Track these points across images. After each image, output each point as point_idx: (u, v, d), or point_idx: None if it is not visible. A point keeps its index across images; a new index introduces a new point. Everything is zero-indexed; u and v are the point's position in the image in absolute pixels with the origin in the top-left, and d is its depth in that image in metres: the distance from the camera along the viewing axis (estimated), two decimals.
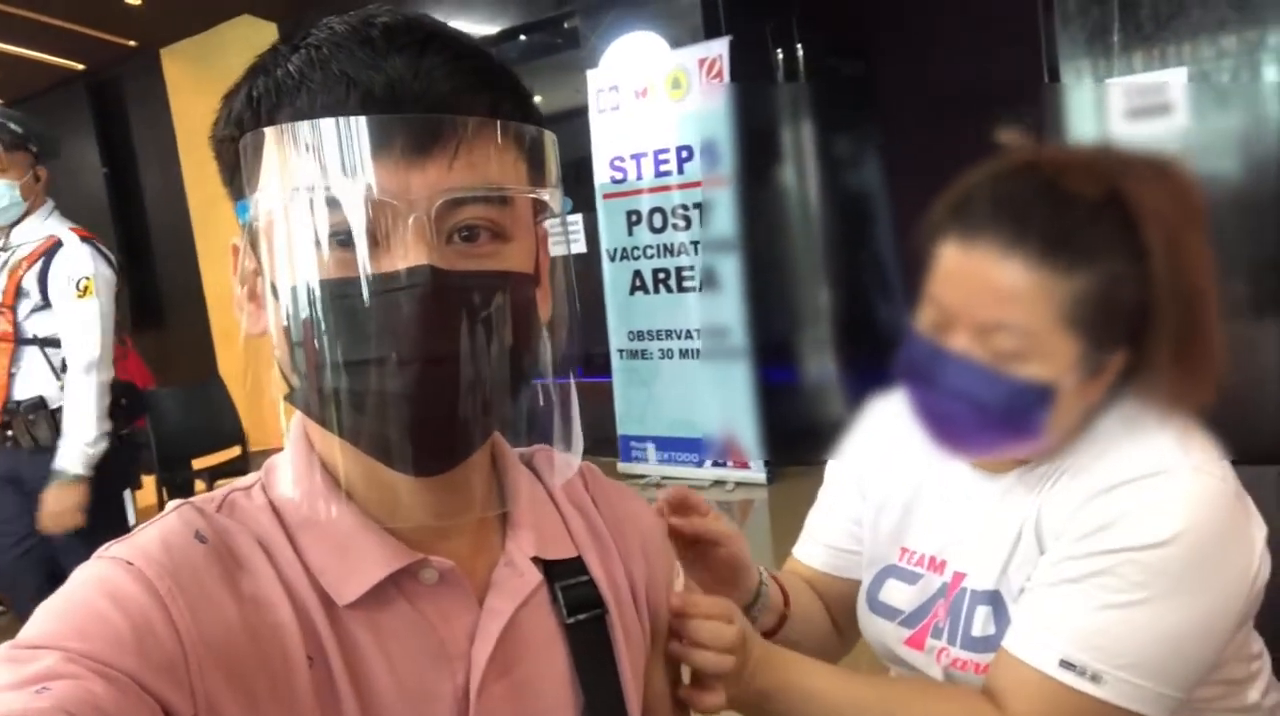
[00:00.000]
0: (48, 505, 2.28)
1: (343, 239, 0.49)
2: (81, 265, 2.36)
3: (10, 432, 2.35)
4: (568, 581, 0.64)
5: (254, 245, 0.54)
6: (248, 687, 0.49)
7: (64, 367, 2.36)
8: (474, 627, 0.58)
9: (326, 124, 0.47)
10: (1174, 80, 3.64)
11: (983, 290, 0.77)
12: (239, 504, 0.58)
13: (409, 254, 0.48)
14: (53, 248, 2.37)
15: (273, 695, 0.50)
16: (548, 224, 0.59)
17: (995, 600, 0.85)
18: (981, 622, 0.85)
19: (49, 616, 0.47)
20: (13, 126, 2.36)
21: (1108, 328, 0.77)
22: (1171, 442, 0.78)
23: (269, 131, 0.49)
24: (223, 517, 0.56)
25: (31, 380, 2.35)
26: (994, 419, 0.79)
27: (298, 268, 0.49)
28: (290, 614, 0.52)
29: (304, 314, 0.49)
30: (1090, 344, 0.76)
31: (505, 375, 0.51)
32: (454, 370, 0.49)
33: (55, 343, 2.36)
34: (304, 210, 0.49)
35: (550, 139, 0.55)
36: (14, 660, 0.44)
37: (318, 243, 0.49)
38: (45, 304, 2.35)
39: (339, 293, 0.49)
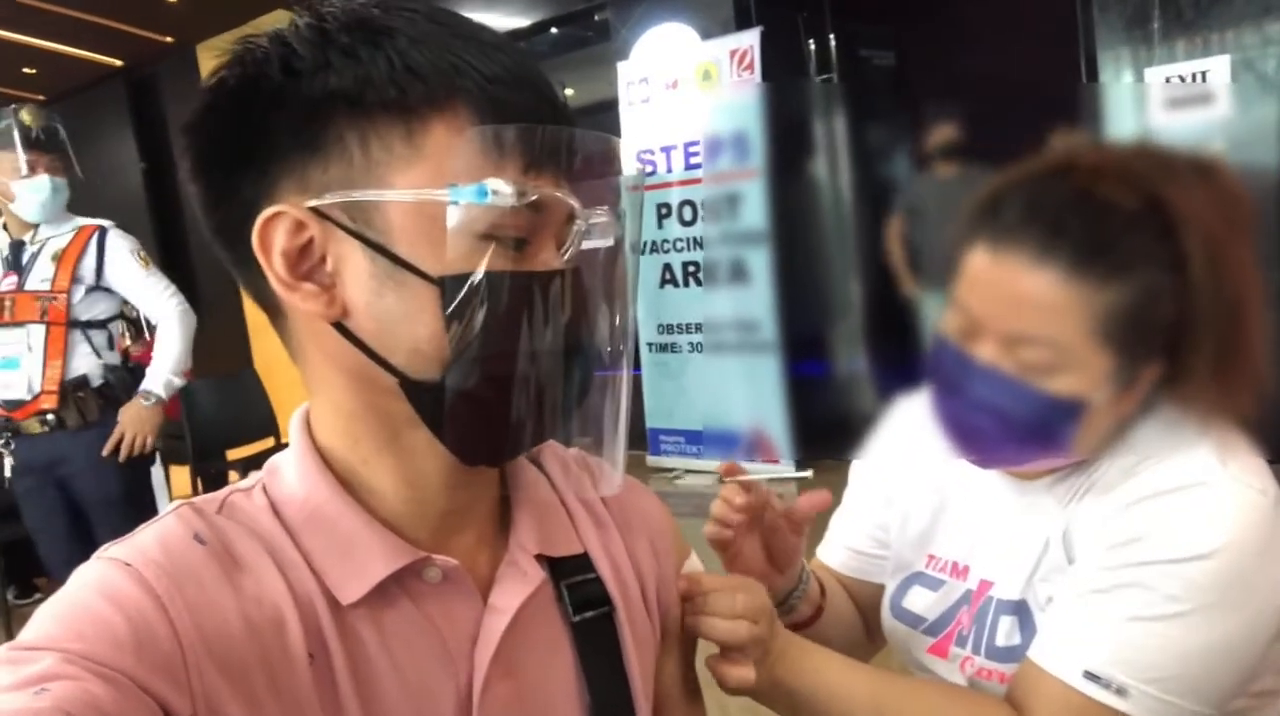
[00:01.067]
0: (129, 417, 2.55)
1: (521, 239, 0.52)
2: (133, 240, 2.65)
3: (52, 416, 2.49)
4: (574, 579, 0.64)
5: (369, 225, 0.51)
6: (248, 687, 0.49)
7: (110, 344, 2.61)
8: (477, 626, 0.58)
9: (549, 131, 0.52)
10: (1216, 68, 3.57)
11: (1011, 300, 0.74)
12: (239, 505, 0.57)
13: (564, 255, 0.54)
14: (97, 234, 2.57)
15: (273, 694, 0.50)
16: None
17: (1021, 610, 0.83)
18: (1006, 632, 0.83)
19: (48, 618, 0.47)
20: (59, 129, 2.52)
21: (1143, 341, 0.73)
22: (1210, 452, 0.75)
23: (483, 130, 0.50)
24: (222, 519, 0.55)
25: (77, 361, 2.54)
26: (1021, 432, 0.76)
27: (467, 261, 0.51)
28: (293, 612, 0.52)
29: (497, 305, 0.51)
30: (1123, 357, 0.73)
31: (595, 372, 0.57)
32: (587, 365, 0.55)
33: (97, 325, 2.58)
34: (484, 206, 0.50)
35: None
36: (13, 661, 0.44)
37: (507, 240, 0.51)
38: (95, 287, 2.55)
39: (511, 285, 0.51)
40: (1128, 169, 0.73)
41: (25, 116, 2.45)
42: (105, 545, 0.53)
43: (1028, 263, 0.73)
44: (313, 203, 0.51)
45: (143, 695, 0.45)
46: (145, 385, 2.58)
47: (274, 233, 0.52)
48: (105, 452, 2.51)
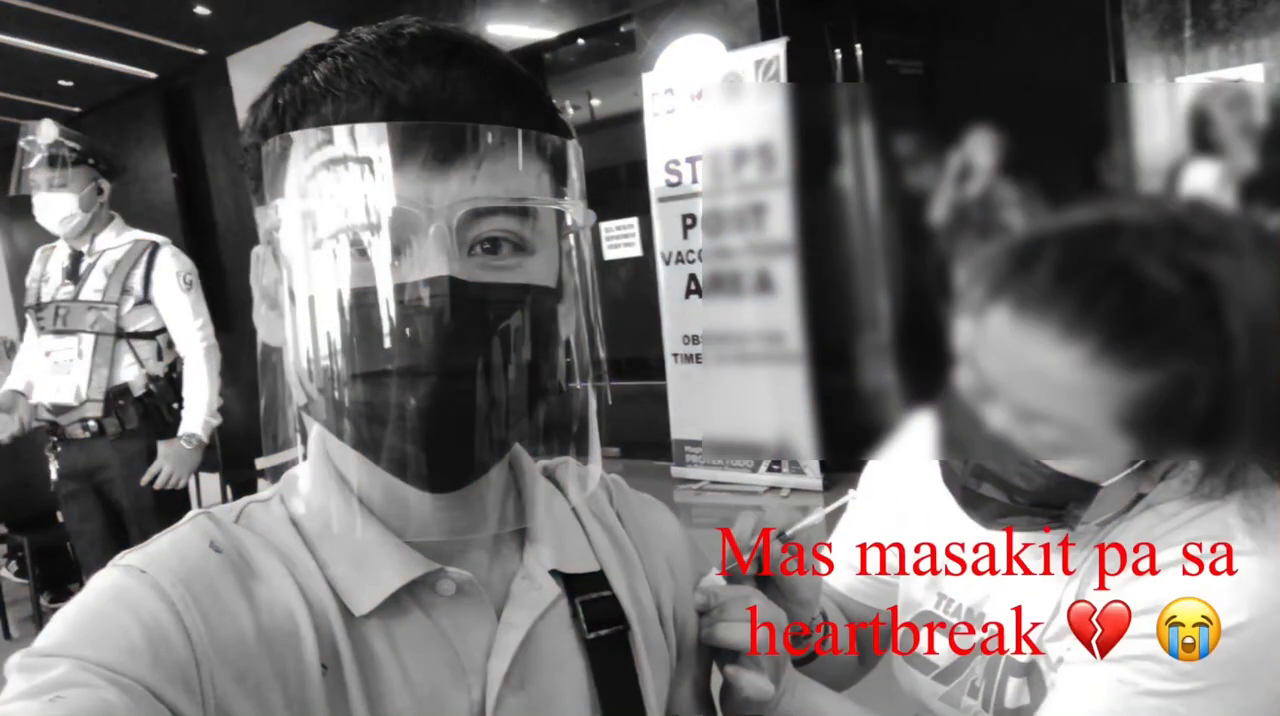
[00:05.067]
0: (169, 455, 2.61)
1: (362, 247, 0.48)
2: (184, 262, 2.69)
3: (94, 422, 2.57)
4: (589, 596, 0.63)
5: (275, 253, 0.53)
6: (260, 695, 0.49)
7: (159, 356, 2.67)
8: (491, 640, 0.57)
9: (348, 130, 0.47)
10: (1250, 77, 3.52)
11: (1029, 375, 0.68)
12: (257, 515, 0.57)
13: (429, 264, 0.47)
14: (149, 249, 2.63)
15: (285, 702, 0.50)
16: (575, 235, 0.57)
17: (1030, 671, 0.80)
18: (1014, 694, 0.80)
19: (63, 625, 0.47)
20: (69, 144, 2.55)
21: (1170, 431, 0.68)
22: (1235, 513, 0.71)
23: (293, 136, 0.49)
24: (239, 528, 0.56)
25: (120, 370, 2.61)
26: (1027, 505, 0.73)
27: (316, 275, 0.49)
28: (307, 621, 0.52)
29: (321, 323, 0.48)
30: (1146, 445, 0.68)
31: (523, 390, 0.50)
32: (471, 384, 0.48)
33: (144, 336, 2.64)
34: (324, 217, 0.48)
35: (575, 151, 0.54)
36: (28, 669, 0.44)
37: (336, 251, 0.48)
38: (143, 300, 2.62)
39: (356, 302, 0.48)
40: (1177, 234, 0.67)
41: (35, 136, 2.52)
42: (122, 552, 0.53)
43: (1053, 337, 0.67)
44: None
45: (156, 702, 0.45)
46: (186, 427, 2.63)
47: (254, 267, 0.57)
48: (143, 483, 2.58)
